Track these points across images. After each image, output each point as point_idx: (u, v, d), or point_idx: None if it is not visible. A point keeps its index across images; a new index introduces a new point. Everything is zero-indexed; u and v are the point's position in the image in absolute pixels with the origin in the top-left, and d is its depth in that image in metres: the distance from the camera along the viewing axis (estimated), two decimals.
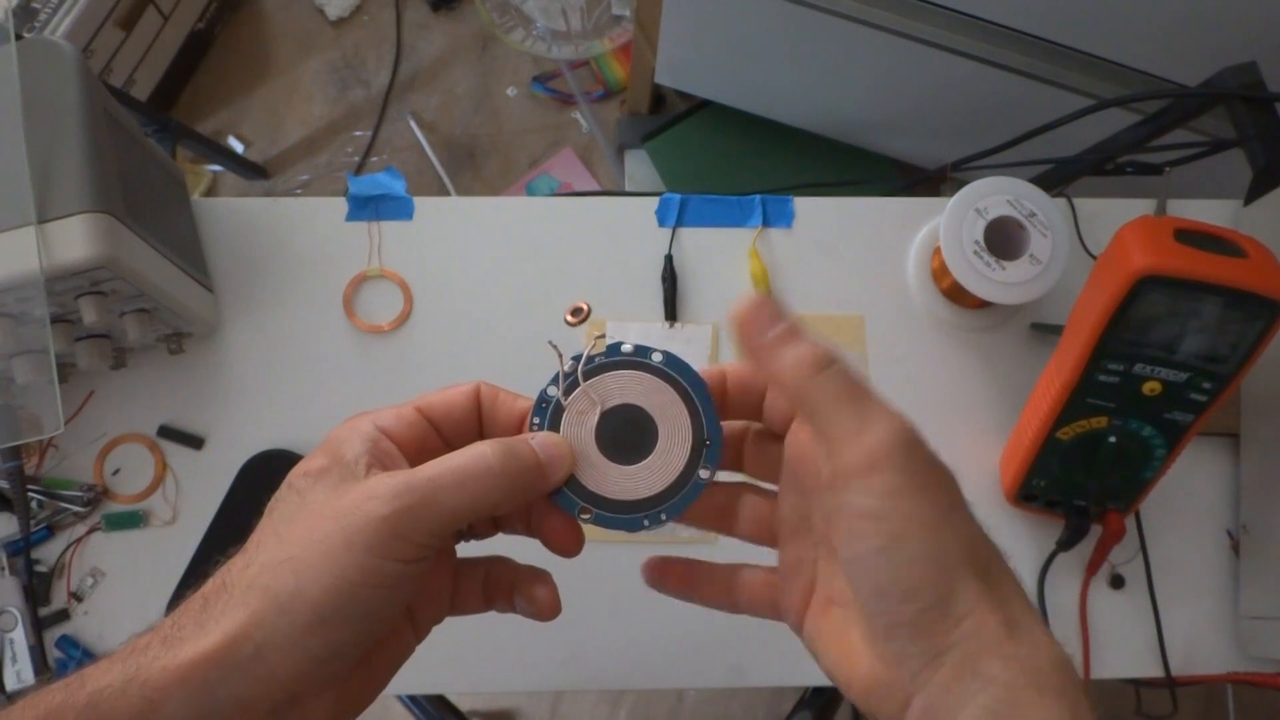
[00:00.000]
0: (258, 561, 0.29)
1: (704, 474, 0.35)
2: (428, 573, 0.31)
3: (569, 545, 0.35)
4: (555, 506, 0.35)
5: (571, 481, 0.35)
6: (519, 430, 0.35)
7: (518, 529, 0.36)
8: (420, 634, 0.35)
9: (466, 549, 0.37)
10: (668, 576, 0.37)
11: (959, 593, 0.28)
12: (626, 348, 0.35)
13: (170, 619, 0.29)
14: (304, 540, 0.29)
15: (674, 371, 0.35)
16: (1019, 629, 0.29)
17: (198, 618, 0.29)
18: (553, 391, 0.35)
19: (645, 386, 0.35)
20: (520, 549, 0.37)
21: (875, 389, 0.30)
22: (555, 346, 0.35)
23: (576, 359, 0.35)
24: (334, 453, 0.31)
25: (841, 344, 0.68)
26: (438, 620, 0.36)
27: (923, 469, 0.29)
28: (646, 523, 0.35)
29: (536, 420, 0.35)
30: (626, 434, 0.35)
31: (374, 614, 0.30)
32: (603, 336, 0.36)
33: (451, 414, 0.35)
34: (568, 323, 0.42)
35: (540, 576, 0.36)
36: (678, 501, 0.35)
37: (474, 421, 0.35)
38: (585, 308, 0.45)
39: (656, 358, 0.35)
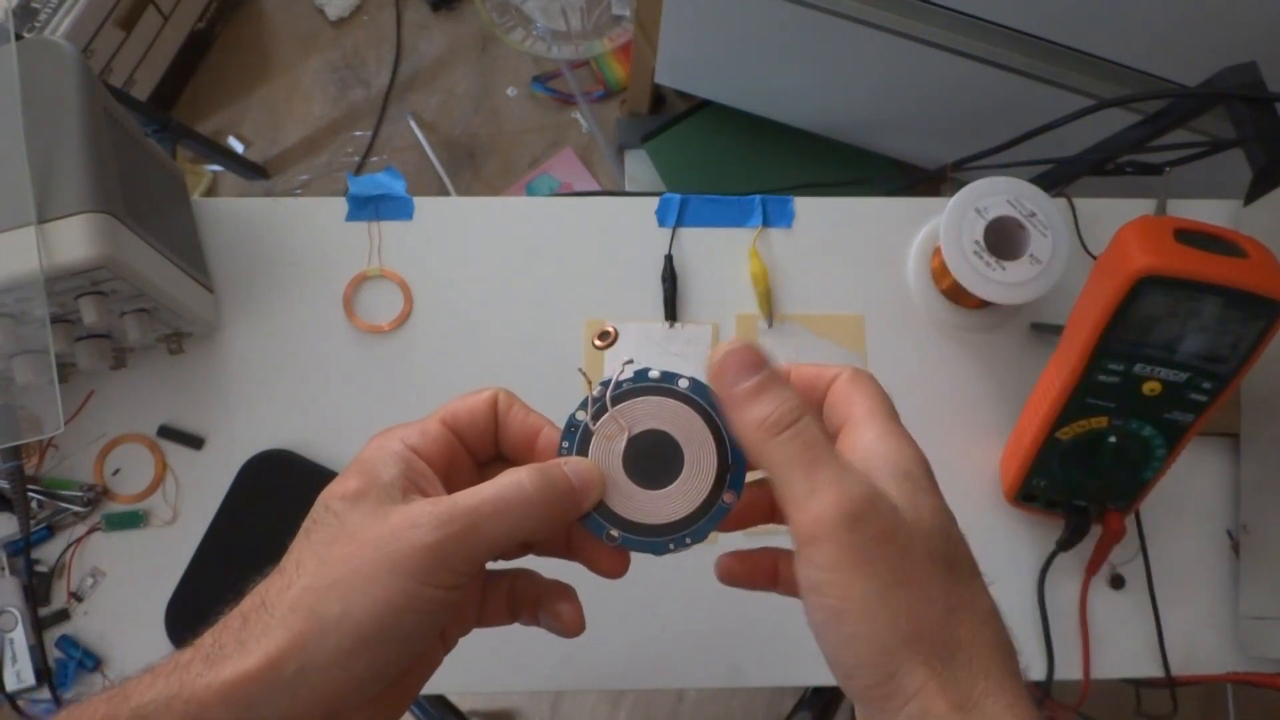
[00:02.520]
0: (299, 584, 0.30)
1: (728, 499, 0.35)
2: (464, 594, 0.32)
3: (615, 568, 0.36)
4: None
5: (600, 505, 0.35)
6: (531, 444, 0.35)
7: (555, 552, 0.37)
8: (448, 647, 0.36)
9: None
10: (738, 573, 0.37)
11: (903, 673, 0.28)
12: (654, 374, 0.36)
13: (211, 636, 0.30)
14: (349, 565, 0.30)
15: (699, 398, 0.35)
16: (974, 711, 0.28)
17: (238, 636, 0.30)
18: (581, 416, 0.36)
19: (671, 412, 0.36)
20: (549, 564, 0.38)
21: (834, 453, 0.30)
22: (584, 373, 0.38)
23: (605, 384, 0.36)
24: (368, 474, 0.32)
25: (841, 344, 0.68)
26: (465, 633, 0.37)
27: (868, 541, 0.28)
28: (672, 546, 0.35)
29: (566, 444, 0.36)
30: (653, 459, 0.35)
31: (415, 636, 0.31)
32: (630, 362, 0.37)
33: (476, 424, 0.35)
34: (595, 346, 0.42)
35: (565, 593, 0.37)
36: (702, 526, 0.35)
37: (493, 432, 0.36)
38: (613, 331, 0.44)
39: (683, 384, 0.36)
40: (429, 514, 0.30)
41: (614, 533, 0.35)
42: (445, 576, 0.30)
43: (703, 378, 0.35)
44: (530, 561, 0.38)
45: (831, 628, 0.29)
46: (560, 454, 0.36)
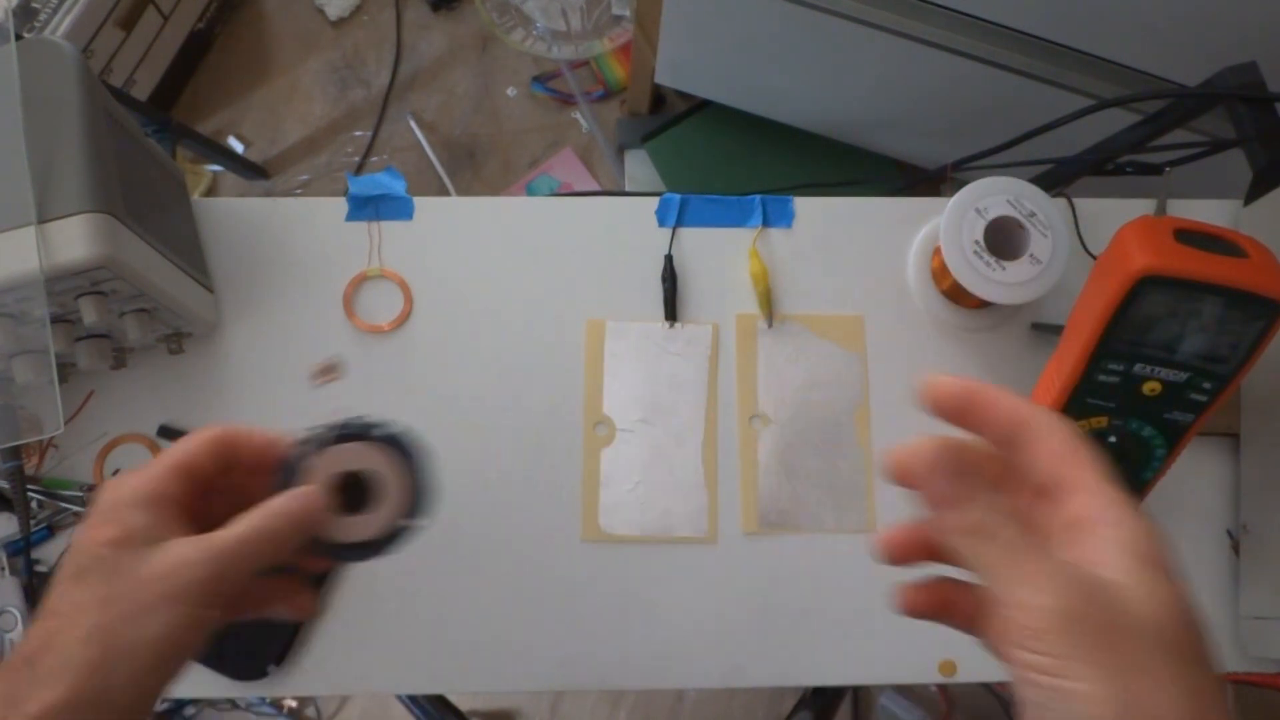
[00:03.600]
0: (86, 622, 0.34)
1: (411, 523, 0.44)
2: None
3: (305, 609, 0.45)
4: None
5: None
6: (269, 468, 0.41)
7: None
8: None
9: None
10: (922, 605, 0.37)
11: None
12: (358, 423, 0.44)
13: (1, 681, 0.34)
14: (135, 599, 0.35)
15: (396, 442, 0.44)
16: None
17: (29, 677, 0.33)
18: (299, 453, 0.43)
19: (373, 454, 0.44)
20: None
21: (1040, 546, 0.30)
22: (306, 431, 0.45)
23: (322, 428, 0.44)
24: (122, 522, 0.36)
25: (841, 344, 0.68)
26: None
27: (1091, 632, 0.28)
28: (361, 559, 0.44)
29: (288, 479, 0.43)
30: (356, 491, 0.43)
31: (197, 647, 0.37)
32: (344, 413, 0.46)
33: (203, 466, 0.39)
34: (315, 382, 0.52)
35: (284, 594, 0.43)
36: (391, 544, 0.44)
37: (224, 464, 0.40)
38: (335, 366, 0.52)
39: (383, 431, 0.44)
40: (198, 553, 0.36)
41: (320, 547, 0.42)
42: (218, 600, 0.37)
43: (398, 428, 0.44)
44: None
45: (1052, 709, 0.28)
46: (286, 487, 0.42)
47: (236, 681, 0.61)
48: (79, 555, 0.36)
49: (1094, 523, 0.31)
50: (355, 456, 0.44)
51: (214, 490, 0.40)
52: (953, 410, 0.34)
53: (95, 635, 0.34)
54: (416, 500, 0.44)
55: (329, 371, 0.49)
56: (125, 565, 0.35)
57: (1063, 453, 0.32)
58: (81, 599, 0.35)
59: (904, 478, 0.33)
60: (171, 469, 0.38)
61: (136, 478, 0.38)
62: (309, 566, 0.45)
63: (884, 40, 0.98)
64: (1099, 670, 0.27)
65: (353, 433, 0.45)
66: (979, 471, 0.32)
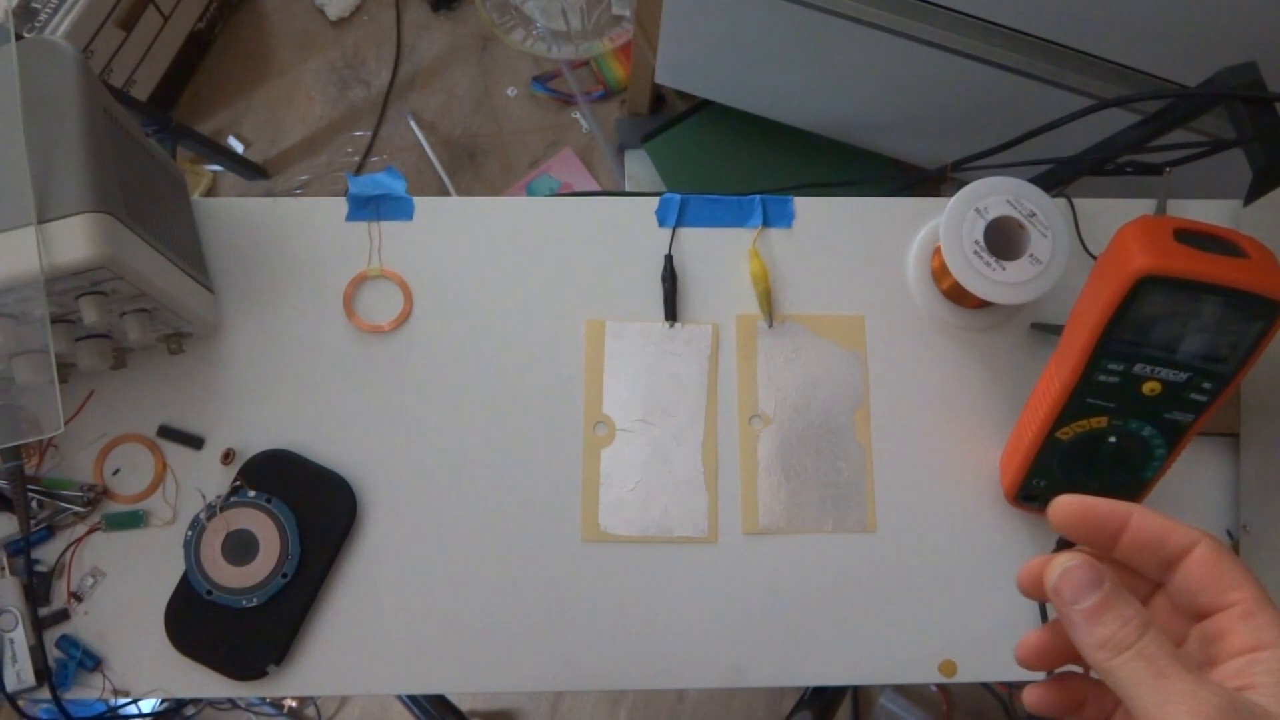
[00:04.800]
0: None
1: (283, 577, 0.60)
2: None
3: None
4: None
5: (205, 572, 0.60)
6: None
7: None
8: None
9: None
10: (1049, 702, 0.36)
11: None
12: (251, 494, 0.61)
13: None
14: None
15: (278, 510, 0.61)
16: None
17: None
18: (203, 516, 0.61)
19: (258, 516, 0.61)
20: None
21: (1183, 664, 0.29)
22: (201, 492, 0.63)
23: (219, 497, 0.62)
24: None
25: (841, 344, 0.68)
26: None
27: None
28: (244, 602, 0.60)
29: (190, 533, 0.61)
30: (241, 547, 0.61)
31: None
32: (239, 483, 0.62)
33: None
34: (222, 463, 0.64)
35: None
36: (266, 590, 0.60)
37: None
38: (233, 452, 0.64)
39: (268, 502, 0.61)
40: None
41: (210, 590, 0.60)
42: None
43: (273, 500, 0.61)
44: None
45: None
46: (185, 540, 0.61)
47: (236, 681, 0.61)
48: None
49: (1247, 645, 0.30)
50: (249, 516, 0.61)
51: None
52: (1084, 528, 0.33)
53: None
54: (289, 557, 0.60)
55: (229, 456, 0.64)
56: None
57: (1215, 570, 0.31)
58: None
59: (1056, 594, 0.32)
60: None
61: None
62: None
63: (884, 40, 0.98)
64: None
65: (247, 501, 0.61)
66: (1118, 584, 0.31)
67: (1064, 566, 0.32)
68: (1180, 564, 0.32)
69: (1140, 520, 0.33)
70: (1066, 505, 0.34)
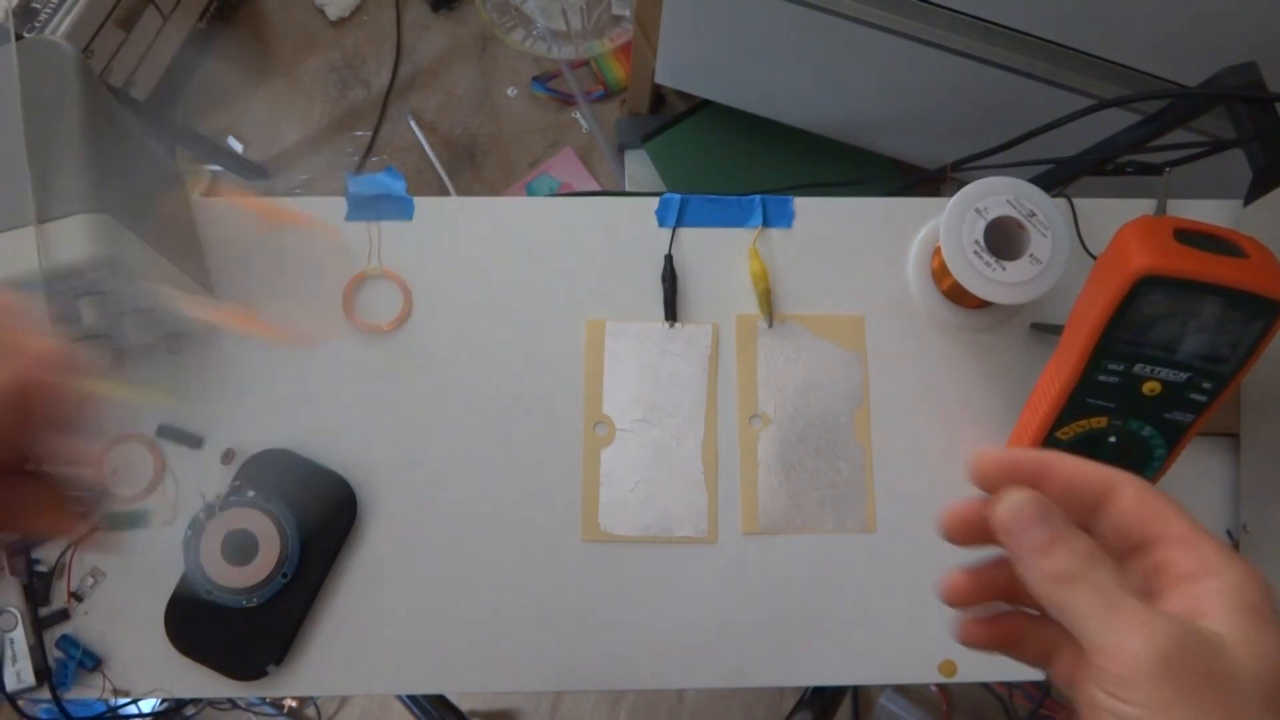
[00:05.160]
0: None
1: (283, 577, 0.60)
2: None
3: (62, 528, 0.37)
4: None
5: (205, 572, 0.59)
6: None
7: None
8: None
9: None
10: (983, 637, 0.36)
11: None
12: (250, 494, 0.61)
13: None
14: None
15: (278, 510, 0.61)
16: None
17: None
18: (202, 516, 0.60)
19: (258, 517, 0.61)
20: None
21: (1134, 594, 0.29)
22: (203, 494, 0.63)
23: (218, 496, 0.62)
24: None
25: (841, 344, 0.68)
26: None
27: (1186, 680, 0.27)
28: (244, 602, 0.60)
29: (190, 532, 0.60)
30: (241, 547, 0.60)
31: None
32: (238, 483, 0.62)
33: None
34: (222, 463, 0.64)
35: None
36: (266, 590, 0.60)
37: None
38: (233, 452, 0.64)
39: (268, 503, 0.61)
40: None
41: (210, 590, 0.59)
42: None
43: (274, 501, 0.61)
44: None
45: None
46: (184, 540, 0.60)
47: (236, 681, 0.61)
48: None
49: (1192, 574, 0.30)
50: (246, 518, 0.60)
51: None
52: (1008, 480, 0.33)
53: None
54: (287, 558, 0.60)
55: (228, 456, 0.64)
56: None
57: (1145, 508, 0.31)
58: None
59: (1005, 532, 0.31)
60: None
61: None
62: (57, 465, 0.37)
63: (884, 40, 0.98)
64: (1193, 717, 0.26)
65: (246, 501, 0.61)
66: (1066, 519, 0.31)
67: (1012, 503, 0.31)
68: (1107, 506, 0.32)
69: (1061, 466, 0.33)
70: (989, 458, 0.33)
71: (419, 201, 0.70)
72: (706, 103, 1.36)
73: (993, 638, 0.35)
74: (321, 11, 1.56)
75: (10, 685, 0.59)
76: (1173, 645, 0.27)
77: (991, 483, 0.33)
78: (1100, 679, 0.28)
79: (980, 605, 0.35)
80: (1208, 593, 0.29)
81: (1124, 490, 0.32)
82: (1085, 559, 0.30)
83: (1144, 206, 0.70)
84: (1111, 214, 0.70)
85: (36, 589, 0.62)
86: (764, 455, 0.66)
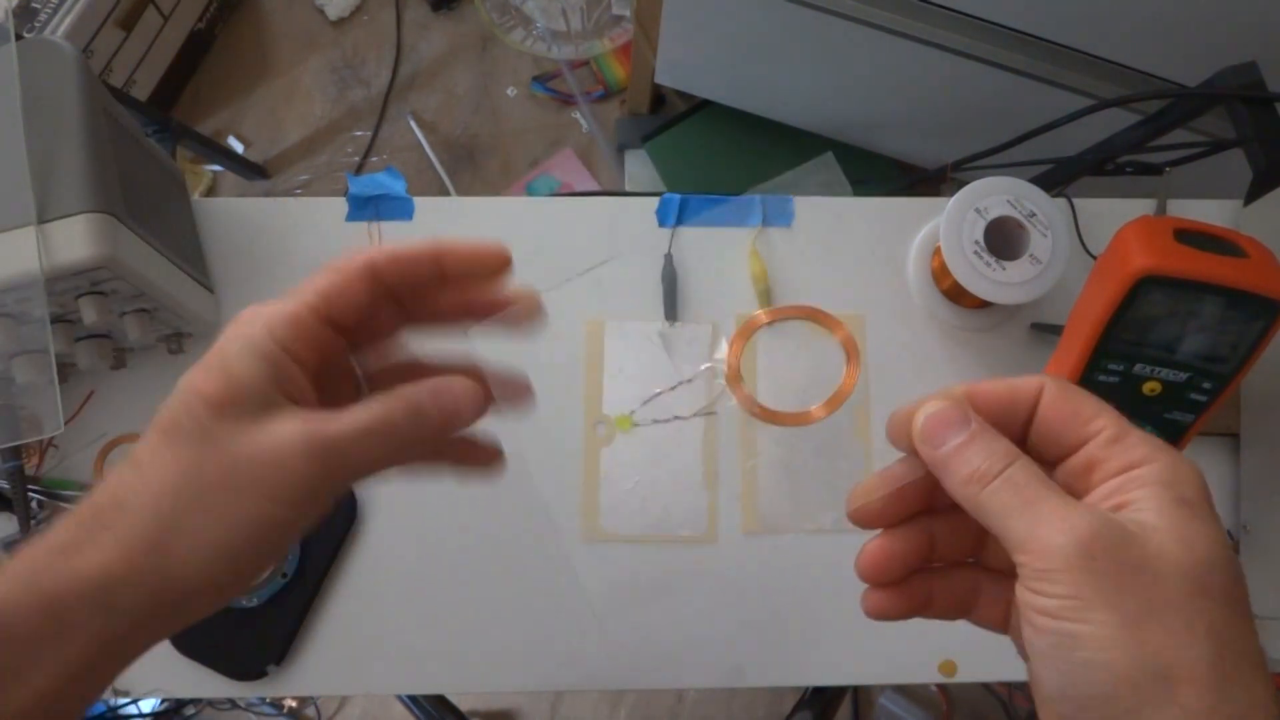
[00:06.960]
0: (156, 487, 0.30)
1: (283, 577, 0.59)
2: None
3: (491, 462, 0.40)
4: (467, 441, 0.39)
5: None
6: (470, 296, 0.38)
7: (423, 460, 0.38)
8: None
9: None
10: (893, 607, 0.35)
11: (1150, 712, 0.25)
12: None
13: (62, 529, 0.30)
14: (217, 480, 0.30)
15: None
16: None
17: (90, 530, 0.30)
18: None
19: None
20: None
21: (1051, 487, 0.29)
22: None
23: None
24: (231, 376, 0.31)
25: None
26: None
27: (1109, 570, 0.26)
28: (244, 602, 0.59)
29: None
30: None
31: (281, 549, 0.32)
32: None
33: (350, 308, 0.33)
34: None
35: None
36: (266, 590, 0.59)
37: (370, 298, 0.34)
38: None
39: None
40: (301, 445, 0.30)
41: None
42: (313, 506, 0.31)
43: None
44: None
45: (1061, 654, 0.26)
46: None
47: (236, 681, 0.61)
48: (176, 403, 0.32)
49: (1121, 467, 0.29)
50: None
51: (378, 328, 0.35)
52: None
53: (163, 506, 0.30)
54: (288, 556, 0.59)
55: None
56: (221, 434, 0.31)
57: (1067, 407, 0.30)
58: (166, 459, 0.31)
59: (922, 441, 0.31)
60: (313, 311, 0.32)
61: (273, 312, 0.32)
62: (463, 459, 0.40)
63: (884, 40, 0.98)
64: (1113, 614, 0.26)
65: None
66: (985, 423, 0.31)
67: (930, 408, 0.31)
68: (1035, 415, 0.31)
69: (983, 387, 0.32)
70: (902, 413, 0.33)
71: (419, 201, 0.70)
72: (706, 103, 1.36)
73: (901, 602, 0.34)
74: (321, 11, 1.56)
75: None
76: (1092, 536, 0.27)
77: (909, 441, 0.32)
78: (1023, 575, 0.28)
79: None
80: (1135, 484, 0.28)
81: (1046, 393, 0.31)
82: (1002, 457, 0.29)
83: (1144, 206, 0.70)
84: (1111, 214, 0.70)
85: None
86: (764, 455, 0.66)
